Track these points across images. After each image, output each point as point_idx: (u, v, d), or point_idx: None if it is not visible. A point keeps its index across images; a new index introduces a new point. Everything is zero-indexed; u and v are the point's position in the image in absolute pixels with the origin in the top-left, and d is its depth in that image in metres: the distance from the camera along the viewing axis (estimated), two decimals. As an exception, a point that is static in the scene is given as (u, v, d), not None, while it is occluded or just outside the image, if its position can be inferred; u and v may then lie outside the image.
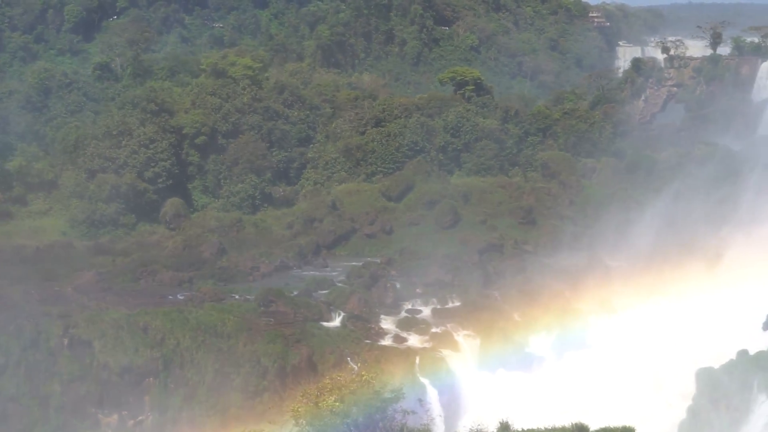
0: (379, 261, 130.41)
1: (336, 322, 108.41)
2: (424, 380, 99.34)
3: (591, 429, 53.67)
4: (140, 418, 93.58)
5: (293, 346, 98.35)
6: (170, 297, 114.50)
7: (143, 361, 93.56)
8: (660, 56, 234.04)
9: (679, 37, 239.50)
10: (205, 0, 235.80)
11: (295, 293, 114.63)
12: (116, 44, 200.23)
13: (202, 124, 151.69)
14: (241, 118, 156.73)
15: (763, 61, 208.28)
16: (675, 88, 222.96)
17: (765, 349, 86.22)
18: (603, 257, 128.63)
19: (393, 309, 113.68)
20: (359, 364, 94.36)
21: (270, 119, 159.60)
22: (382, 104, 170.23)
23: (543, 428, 54.48)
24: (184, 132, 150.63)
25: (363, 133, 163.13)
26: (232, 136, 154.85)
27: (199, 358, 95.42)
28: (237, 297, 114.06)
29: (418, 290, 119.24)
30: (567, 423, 54.68)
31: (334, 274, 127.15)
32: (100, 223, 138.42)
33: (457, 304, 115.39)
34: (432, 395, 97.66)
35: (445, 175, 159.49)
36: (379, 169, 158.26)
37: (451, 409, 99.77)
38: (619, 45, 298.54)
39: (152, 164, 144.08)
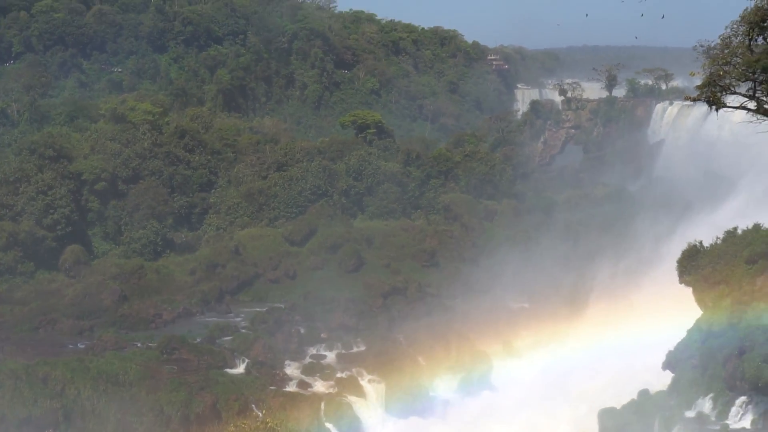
0: (283, 306, 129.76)
1: (240, 368, 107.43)
2: (330, 425, 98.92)
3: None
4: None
5: (197, 394, 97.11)
6: (70, 346, 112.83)
7: (42, 413, 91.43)
8: (558, 98, 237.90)
9: (575, 80, 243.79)
10: (103, 44, 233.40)
11: (199, 340, 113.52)
12: (12, 89, 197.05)
13: (101, 170, 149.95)
14: (141, 163, 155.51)
15: (657, 103, 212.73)
16: (573, 130, 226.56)
17: (665, 388, 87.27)
18: (506, 299, 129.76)
19: (298, 354, 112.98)
20: (264, 411, 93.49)
21: (171, 164, 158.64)
22: (283, 148, 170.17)
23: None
24: (83, 178, 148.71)
25: (265, 178, 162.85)
26: (132, 182, 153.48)
27: (100, 408, 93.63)
28: (139, 345, 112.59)
29: (322, 335, 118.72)
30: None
31: (237, 320, 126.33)
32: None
33: (362, 348, 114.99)
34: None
35: (348, 218, 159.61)
36: (281, 213, 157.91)
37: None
38: (517, 87, 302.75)
39: (51, 211, 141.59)
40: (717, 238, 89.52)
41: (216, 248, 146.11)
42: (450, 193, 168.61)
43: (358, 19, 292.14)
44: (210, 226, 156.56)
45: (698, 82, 30.71)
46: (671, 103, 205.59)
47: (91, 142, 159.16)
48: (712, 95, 29.75)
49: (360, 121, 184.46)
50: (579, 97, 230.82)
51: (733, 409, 76.25)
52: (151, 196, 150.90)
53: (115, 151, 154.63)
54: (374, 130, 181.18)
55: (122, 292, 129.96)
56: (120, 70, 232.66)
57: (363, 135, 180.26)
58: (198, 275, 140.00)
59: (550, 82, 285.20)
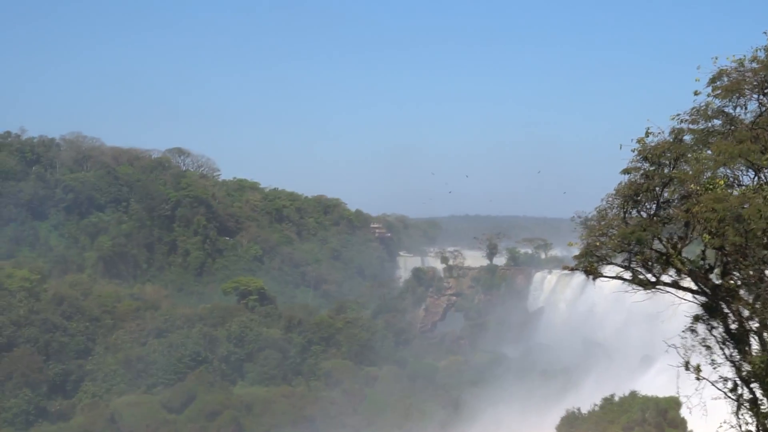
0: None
1: None
2: None
3: None
4: None
5: None
6: None
7: None
8: (439, 266, 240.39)
9: (457, 248, 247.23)
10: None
11: None
12: None
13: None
14: (16, 331, 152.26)
15: (536, 272, 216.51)
16: (454, 297, 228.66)
17: None
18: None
19: None
20: None
21: (47, 331, 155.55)
22: (164, 315, 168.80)
23: None
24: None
25: (144, 344, 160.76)
26: (5, 350, 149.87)
27: None
28: None
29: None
30: None
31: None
32: None
33: None
34: None
35: (228, 385, 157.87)
36: (160, 380, 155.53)
37: None
38: (399, 255, 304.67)
39: None
40: (595, 405, 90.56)
41: (91, 416, 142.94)
42: (331, 359, 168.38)
43: (241, 187, 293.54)
44: (86, 393, 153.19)
45: (576, 252, 31.46)
46: (550, 272, 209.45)
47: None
48: (590, 265, 30.49)
49: (242, 288, 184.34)
50: (460, 264, 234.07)
51: None
52: (24, 364, 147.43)
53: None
54: (256, 297, 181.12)
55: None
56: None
57: (245, 301, 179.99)
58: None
59: (432, 249, 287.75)
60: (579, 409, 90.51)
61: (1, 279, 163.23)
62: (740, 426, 28.21)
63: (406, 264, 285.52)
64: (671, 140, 29.03)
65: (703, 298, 29.32)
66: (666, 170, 29.09)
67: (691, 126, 29.18)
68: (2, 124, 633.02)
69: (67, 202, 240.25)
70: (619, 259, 30.49)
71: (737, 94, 28.53)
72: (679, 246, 29.50)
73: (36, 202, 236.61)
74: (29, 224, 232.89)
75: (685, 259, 29.59)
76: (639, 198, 29.69)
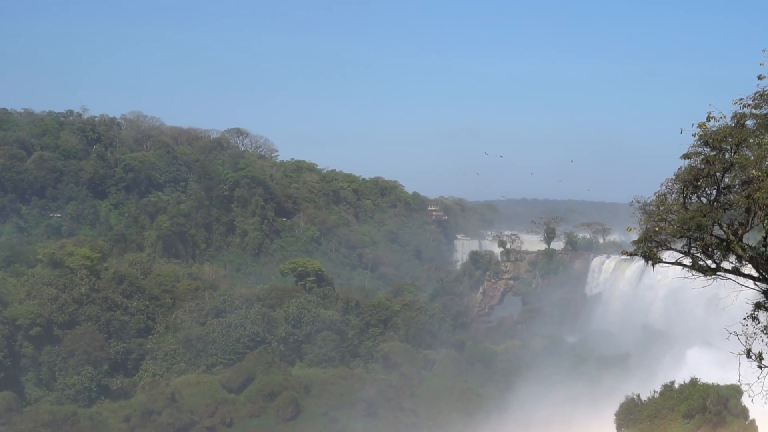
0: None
1: None
2: None
3: None
4: None
5: None
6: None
7: None
8: (497, 250, 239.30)
9: (514, 232, 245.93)
10: (43, 190, 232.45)
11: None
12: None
13: (37, 315, 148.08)
14: (78, 308, 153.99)
15: (594, 257, 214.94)
16: (512, 281, 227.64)
17: None
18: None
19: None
20: None
21: (108, 310, 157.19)
22: (222, 295, 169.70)
23: None
24: (17, 323, 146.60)
25: (203, 324, 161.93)
26: (68, 327, 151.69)
27: None
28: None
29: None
30: None
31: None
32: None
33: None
34: None
35: (287, 366, 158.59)
36: (219, 360, 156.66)
37: None
38: (457, 238, 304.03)
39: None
40: (654, 391, 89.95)
41: (152, 395, 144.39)
42: (389, 342, 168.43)
43: (299, 168, 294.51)
44: (146, 372, 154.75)
45: (635, 237, 31.23)
46: (608, 257, 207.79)
47: (28, 287, 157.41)
48: (649, 251, 30.28)
49: (300, 269, 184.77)
50: (518, 248, 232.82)
51: None
52: (86, 342, 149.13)
53: (52, 297, 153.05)
54: (314, 278, 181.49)
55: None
56: (59, 215, 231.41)
57: (302, 283, 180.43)
58: (133, 422, 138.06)
59: (489, 233, 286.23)
60: (638, 396, 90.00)
61: (62, 257, 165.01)
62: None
63: (464, 247, 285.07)
64: (733, 125, 28.72)
65: (764, 285, 29.04)
66: (727, 155, 28.80)
67: (753, 111, 28.83)
68: (64, 103, 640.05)
69: (127, 182, 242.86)
70: (678, 245, 30.26)
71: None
72: (740, 232, 29.22)
73: (96, 181, 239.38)
74: (89, 203, 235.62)
75: (746, 246, 29.31)
76: (699, 183, 29.44)
